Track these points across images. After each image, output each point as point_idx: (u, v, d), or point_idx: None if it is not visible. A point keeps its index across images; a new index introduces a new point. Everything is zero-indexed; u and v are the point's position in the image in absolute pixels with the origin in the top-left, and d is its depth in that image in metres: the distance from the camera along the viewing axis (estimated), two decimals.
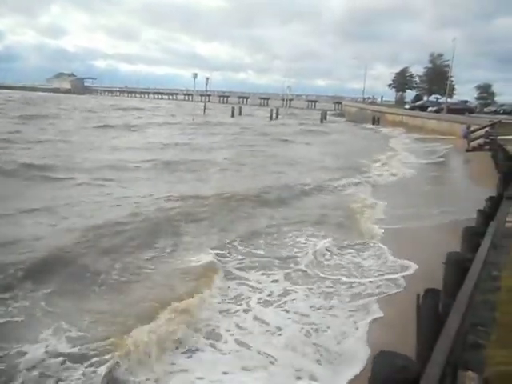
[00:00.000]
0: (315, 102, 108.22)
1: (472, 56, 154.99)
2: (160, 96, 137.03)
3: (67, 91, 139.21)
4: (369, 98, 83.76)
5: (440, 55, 77.89)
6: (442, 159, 25.45)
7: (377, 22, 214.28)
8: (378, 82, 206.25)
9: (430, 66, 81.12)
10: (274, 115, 63.69)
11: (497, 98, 76.86)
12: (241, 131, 38.38)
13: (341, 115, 77.57)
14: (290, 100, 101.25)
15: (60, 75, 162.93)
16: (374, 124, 54.84)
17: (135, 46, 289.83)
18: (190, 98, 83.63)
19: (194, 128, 39.13)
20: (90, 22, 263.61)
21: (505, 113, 50.30)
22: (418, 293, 3.96)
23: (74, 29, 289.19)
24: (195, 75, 53.96)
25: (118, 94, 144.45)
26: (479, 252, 4.19)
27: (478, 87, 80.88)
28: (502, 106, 58.13)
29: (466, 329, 3.21)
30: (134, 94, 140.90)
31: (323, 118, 63.11)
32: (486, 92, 79.57)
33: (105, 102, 77.40)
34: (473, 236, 4.96)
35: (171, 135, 32.20)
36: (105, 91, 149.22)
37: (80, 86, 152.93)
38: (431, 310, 3.68)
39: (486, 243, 4.41)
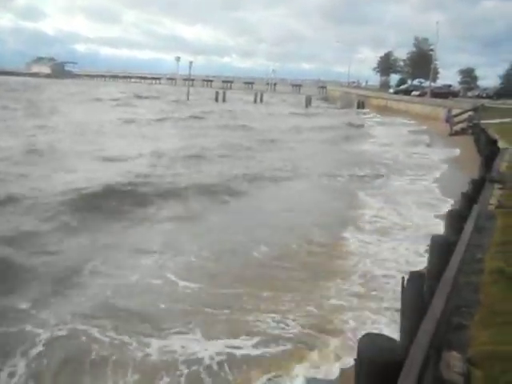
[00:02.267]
0: (300, 86, 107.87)
1: (457, 40, 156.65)
2: (143, 81, 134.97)
3: (47, 76, 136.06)
4: (353, 82, 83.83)
5: (425, 39, 78.11)
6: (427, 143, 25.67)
7: (362, 4, 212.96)
8: (363, 65, 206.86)
9: (414, 49, 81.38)
10: (259, 99, 63.40)
11: (480, 82, 77.80)
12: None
13: (325, 99, 77.65)
14: (275, 84, 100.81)
15: (39, 60, 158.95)
16: (358, 108, 54.95)
17: (116, 30, 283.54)
18: (174, 82, 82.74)
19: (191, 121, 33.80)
20: (68, 4, 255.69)
21: (487, 97, 50.88)
22: (402, 276, 4.00)
23: (52, 11, 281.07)
24: (178, 59, 53.12)
25: (99, 78, 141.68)
26: (463, 235, 4.24)
27: (461, 71, 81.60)
28: (484, 89, 58.78)
29: (449, 310, 3.25)
30: (116, 79, 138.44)
31: (308, 103, 62.90)
32: (469, 76, 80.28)
33: (92, 90, 73.10)
34: (456, 219, 5.01)
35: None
36: (86, 76, 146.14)
37: (60, 71, 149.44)
38: (416, 293, 3.72)
39: (469, 226, 4.46)
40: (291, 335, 5.43)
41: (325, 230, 9.29)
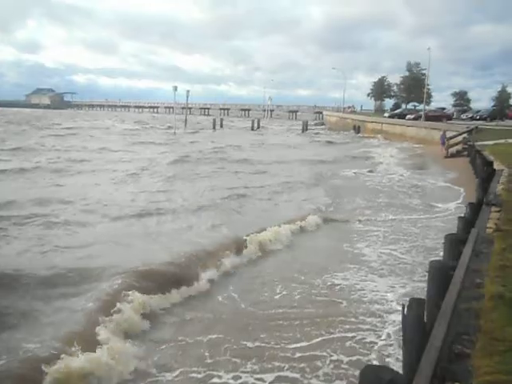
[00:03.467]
0: (296, 112, 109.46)
1: (449, 63, 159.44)
2: (141, 110, 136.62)
3: (47, 107, 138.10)
4: (349, 107, 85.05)
5: (417, 64, 79.76)
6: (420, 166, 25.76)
7: (356, 32, 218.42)
8: (358, 91, 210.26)
9: (407, 74, 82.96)
10: (256, 126, 64.13)
11: (474, 104, 78.93)
12: None
13: (322, 125, 78.75)
14: (272, 111, 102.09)
15: (39, 91, 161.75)
16: (355, 132, 55.62)
17: (115, 60, 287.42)
18: (171, 111, 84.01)
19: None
20: (67, 36, 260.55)
21: (481, 118, 51.54)
22: (402, 303, 3.97)
23: (51, 43, 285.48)
24: (175, 88, 53.70)
25: (98, 108, 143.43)
26: (461, 260, 4.23)
27: (454, 94, 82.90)
28: (478, 112, 59.55)
29: (451, 338, 3.22)
30: (114, 108, 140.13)
31: (305, 128, 63.51)
32: (462, 99, 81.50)
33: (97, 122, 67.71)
34: (455, 243, 5.00)
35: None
36: (85, 106, 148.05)
37: (59, 101, 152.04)
38: (416, 320, 3.68)
39: (467, 250, 4.45)
40: None
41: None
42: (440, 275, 4.26)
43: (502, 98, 74.19)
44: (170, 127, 54.10)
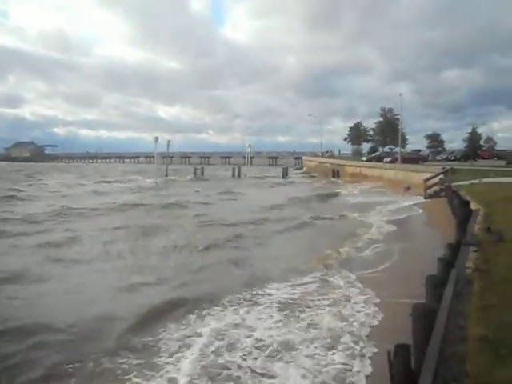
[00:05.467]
0: (276, 158, 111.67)
1: (423, 107, 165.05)
2: (122, 160, 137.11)
3: (26, 159, 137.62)
4: (327, 151, 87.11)
5: (391, 109, 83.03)
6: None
7: (331, 78, 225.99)
8: (335, 135, 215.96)
9: (381, 119, 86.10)
10: (237, 173, 64.95)
11: (448, 145, 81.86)
12: None
13: (301, 169, 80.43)
14: (251, 158, 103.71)
15: (19, 144, 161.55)
16: (334, 177, 56.53)
17: (95, 112, 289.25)
18: (152, 160, 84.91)
19: None
20: (48, 90, 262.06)
21: (455, 159, 53.42)
22: (388, 350, 3.92)
23: (32, 97, 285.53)
24: (156, 139, 54.39)
25: (79, 160, 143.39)
26: (443, 302, 4.23)
27: (428, 136, 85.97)
28: (452, 152, 61.81)
29: None
30: (95, 160, 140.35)
31: (285, 174, 64.28)
32: (435, 140, 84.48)
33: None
34: (435, 285, 5.02)
35: None
36: (66, 158, 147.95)
37: (39, 154, 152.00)
38: (403, 368, 3.63)
39: (448, 292, 4.47)
40: None
41: None
42: (423, 318, 4.25)
43: (473, 138, 77.38)
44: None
